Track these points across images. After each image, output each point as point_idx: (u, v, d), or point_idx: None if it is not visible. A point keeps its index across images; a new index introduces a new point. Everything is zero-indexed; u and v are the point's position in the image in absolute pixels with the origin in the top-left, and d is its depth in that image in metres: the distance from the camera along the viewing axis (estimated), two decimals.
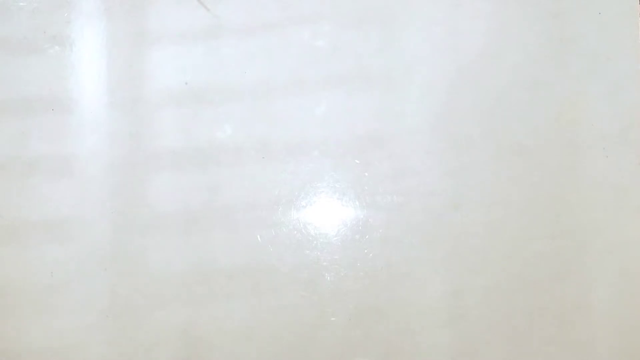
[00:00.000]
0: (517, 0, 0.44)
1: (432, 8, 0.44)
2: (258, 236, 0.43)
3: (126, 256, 0.43)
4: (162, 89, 0.43)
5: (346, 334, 0.42)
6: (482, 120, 0.44)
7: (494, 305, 0.43)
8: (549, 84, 0.44)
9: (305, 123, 0.44)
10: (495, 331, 0.42)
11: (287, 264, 0.43)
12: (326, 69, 0.41)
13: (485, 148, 0.44)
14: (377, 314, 0.44)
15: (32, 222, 0.42)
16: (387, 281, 0.44)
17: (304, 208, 0.43)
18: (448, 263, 0.44)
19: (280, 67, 0.43)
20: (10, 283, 0.43)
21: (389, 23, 0.44)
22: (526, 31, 0.44)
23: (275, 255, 0.42)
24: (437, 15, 0.44)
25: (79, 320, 0.42)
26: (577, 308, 0.43)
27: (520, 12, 0.45)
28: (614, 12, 0.45)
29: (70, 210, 0.43)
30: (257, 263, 0.42)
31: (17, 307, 0.43)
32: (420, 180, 0.44)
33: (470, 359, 0.43)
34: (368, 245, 0.44)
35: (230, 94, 0.43)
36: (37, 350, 0.42)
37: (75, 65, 0.43)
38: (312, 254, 0.43)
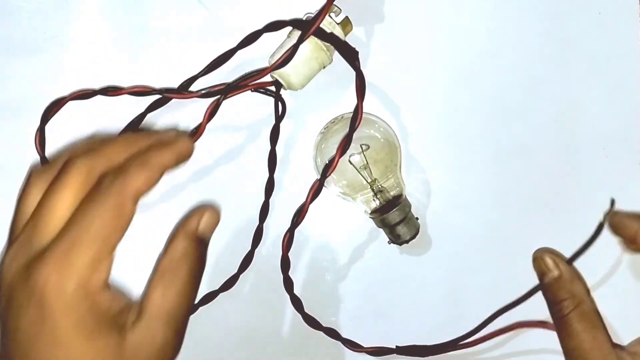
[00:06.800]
0: (517, 0, 0.44)
1: (432, 8, 0.44)
2: None
3: (126, 256, 0.43)
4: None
5: (346, 334, 0.42)
6: (482, 120, 0.44)
7: (494, 305, 0.42)
8: (549, 84, 0.44)
9: (305, 123, 0.44)
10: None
11: None
12: (326, 68, 0.41)
13: (485, 148, 0.44)
14: (377, 314, 0.44)
15: None
16: (387, 281, 0.44)
17: None
18: (448, 263, 0.44)
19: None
20: None
21: (389, 23, 0.44)
22: (526, 31, 0.44)
23: (275, 256, 0.42)
24: (438, 15, 0.44)
25: None
26: None
27: (520, 12, 0.45)
28: (614, 12, 0.45)
29: None
30: (257, 263, 0.42)
31: None
32: (421, 180, 0.44)
33: (470, 358, 0.43)
34: (368, 245, 0.44)
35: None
36: None
37: (75, 65, 0.43)
38: (312, 254, 0.43)
